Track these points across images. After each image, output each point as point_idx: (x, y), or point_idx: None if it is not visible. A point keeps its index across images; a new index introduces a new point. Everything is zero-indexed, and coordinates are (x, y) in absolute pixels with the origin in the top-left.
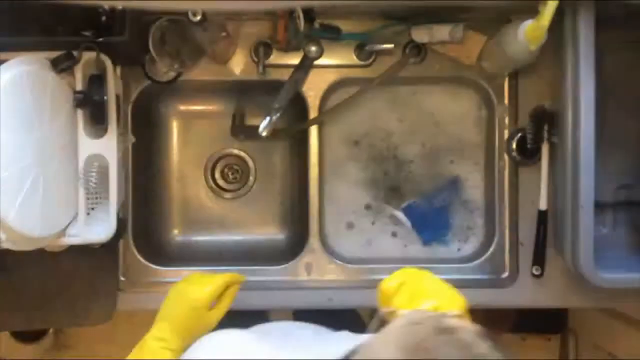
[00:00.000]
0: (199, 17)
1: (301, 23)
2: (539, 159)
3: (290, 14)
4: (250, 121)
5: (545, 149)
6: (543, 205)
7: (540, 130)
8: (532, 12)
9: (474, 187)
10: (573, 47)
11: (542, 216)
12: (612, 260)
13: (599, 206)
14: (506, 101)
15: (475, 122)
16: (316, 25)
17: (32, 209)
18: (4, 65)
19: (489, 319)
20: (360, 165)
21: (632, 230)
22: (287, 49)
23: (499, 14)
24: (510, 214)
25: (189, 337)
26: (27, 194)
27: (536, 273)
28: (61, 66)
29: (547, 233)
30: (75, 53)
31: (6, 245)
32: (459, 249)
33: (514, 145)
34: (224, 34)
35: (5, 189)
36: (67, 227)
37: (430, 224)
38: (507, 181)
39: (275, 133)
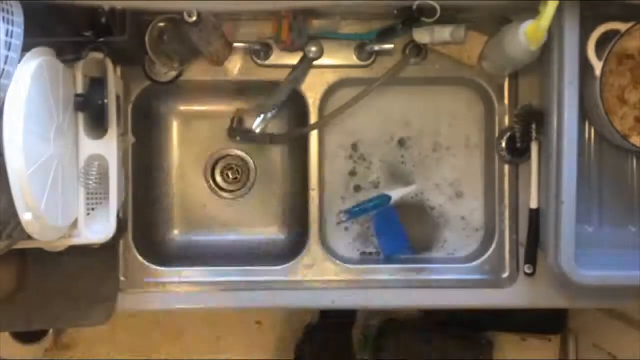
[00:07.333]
0: (194, 18)
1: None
2: (529, 158)
3: (295, 14)
4: (250, 122)
5: (534, 148)
6: (534, 203)
7: (529, 129)
8: (532, 12)
9: (474, 187)
10: (558, 46)
11: (533, 214)
12: (597, 259)
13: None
14: (506, 101)
15: (475, 122)
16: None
17: (55, 198)
18: (26, 56)
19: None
20: (361, 166)
21: (618, 229)
22: (291, 48)
23: (499, 14)
24: (510, 214)
25: None
26: (51, 184)
27: (528, 271)
28: (65, 56)
29: (539, 231)
30: (84, 53)
31: (36, 236)
32: (455, 249)
33: (503, 144)
34: (219, 35)
35: (37, 178)
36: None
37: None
38: (507, 181)
39: (274, 138)
